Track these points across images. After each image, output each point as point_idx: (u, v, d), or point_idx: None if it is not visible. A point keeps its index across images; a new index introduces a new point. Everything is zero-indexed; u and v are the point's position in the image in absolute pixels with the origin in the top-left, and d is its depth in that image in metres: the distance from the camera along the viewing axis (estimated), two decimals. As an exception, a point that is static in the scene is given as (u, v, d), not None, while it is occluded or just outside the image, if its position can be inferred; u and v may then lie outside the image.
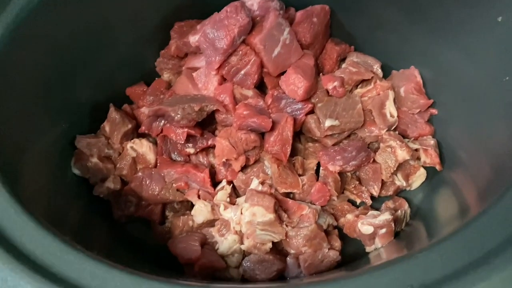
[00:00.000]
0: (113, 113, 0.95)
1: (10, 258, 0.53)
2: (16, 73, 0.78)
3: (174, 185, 0.91)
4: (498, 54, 0.81)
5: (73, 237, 0.76)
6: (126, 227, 0.97)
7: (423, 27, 0.94)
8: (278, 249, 0.88)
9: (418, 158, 0.98)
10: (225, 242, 0.85)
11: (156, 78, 1.06)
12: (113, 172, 0.95)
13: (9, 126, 0.75)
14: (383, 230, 0.87)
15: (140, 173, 0.93)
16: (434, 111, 0.99)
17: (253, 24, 0.93)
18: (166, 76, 1.06)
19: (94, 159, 0.92)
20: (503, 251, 0.56)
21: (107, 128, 0.96)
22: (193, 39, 0.95)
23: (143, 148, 0.95)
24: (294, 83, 0.92)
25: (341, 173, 0.94)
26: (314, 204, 0.91)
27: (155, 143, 0.98)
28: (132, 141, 0.96)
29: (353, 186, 0.96)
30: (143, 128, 0.94)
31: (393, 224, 0.87)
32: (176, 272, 0.86)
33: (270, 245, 0.85)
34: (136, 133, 0.99)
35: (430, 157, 0.95)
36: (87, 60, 0.94)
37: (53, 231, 0.59)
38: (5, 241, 0.56)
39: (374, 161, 0.95)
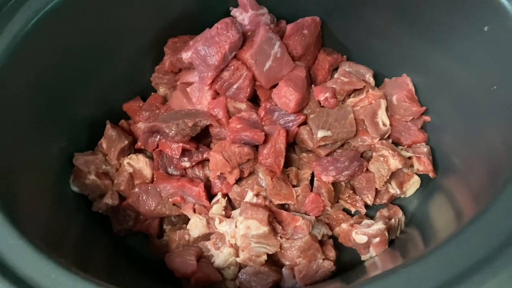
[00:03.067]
0: (109, 130, 0.97)
1: (7, 283, 0.55)
2: (14, 92, 0.80)
3: (170, 199, 0.93)
4: (488, 61, 0.82)
5: (75, 252, 0.79)
6: (126, 240, 0.99)
7: (414, 34, 0.95)
8: (273, 261, 0.90)
9: (412, 166, 0.99)
10: (221, 255, 0.87)
11: (152, 93, 1.08)
12: (111, 188, 0.97)
13: (6, 144, 0.76)
14: (377, 239, 0.88)
15: (137, 189, 0.95)
16: (427, 118, 1.00)
17: (244, 39, 0.94)
18: (161, 90, 1.08)
19: (92, 176, 0.94)
20: (498, 255, 0.56)
21: (104, 145, 0.98)
22: (186, 55, 0.96)
23: (139, 163, 0.97)
24: (286, 96, 0.93)
25: (335, 183, 0.95)
26: (309, 215, 0.92)
27: (151, 158, 0.99)
28: (129, 157, 0.98)
29: (347, 195, 0.97)
30: (139, 144, 0.96)
31: (386, 233, 0.88)
32: (174, 286, 0.88)
33: (265, 257, 0.86)
34: (133, 148, 1.01)
35: (423, 165, 0.95)
36: (84, 78, 0.96)
37: (48, 253, 0.60)
38: (2, 266, 0.57)
39: (367, 170, 0.96)
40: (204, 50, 0.90)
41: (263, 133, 0.89)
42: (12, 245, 0.60)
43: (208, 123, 0.92)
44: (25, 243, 0.60)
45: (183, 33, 1.06)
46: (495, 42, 0.79)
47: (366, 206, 0.97)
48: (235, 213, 0.90)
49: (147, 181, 0.97)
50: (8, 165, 0.75)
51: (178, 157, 0.93)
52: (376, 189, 0.96)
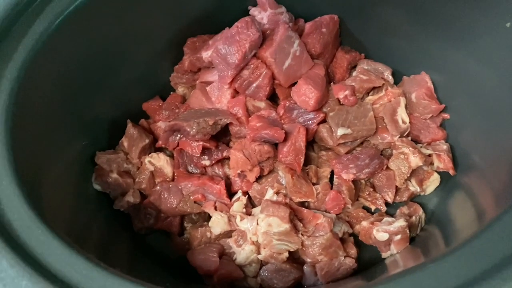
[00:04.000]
0: (130, 129, 0.98)
1: (40, 278, 0.55)
2: (37, 94, 0.81)
3: (191, 197, 0.94)
4: (509, 58, 0.81)
5: (97, 250, 0.80)
6: (147, 238, 1.00)
7: (432, 32, 0.95)
8: (294, 258, 0.90)
9: (432, 163, 0.98)
10: (243, 253, 0.87)
11: (171, 93, 1.09)
12: (133, 186, 0.98)
13: (31, 145, 0.77)
14: (398, 237, 0.88)
15: (158, 187, 0.96)
16: (446, 115, 1.00)
17: (264, 37, 0.95)
18: (180, 90, 1.09)
19: (114, 175, 0.95)
20: None
21: (125, 144, 0.99)
22: (206, 54, 0.97)
23: (160, 162, 0.98)
24: (305, 94, 0.94)
25: (355, 181, 0.95)
26: (329, 213, 0.92)
27: (172, 156, 1.00)
28: (150, 155, 0.99)
29: (367, 193, 0.97)
30: (160, 143, 0.97)
31: (407, 231, 0.88)
32: (196, 282, 0.89)
33: (286, 254, 0.86)
34: (153, 147, 1.02)
35: (443, 162, 0.95)
36: (104, 79, 0.97)
37: (77, 249, 0.61)
38: (33, 261, 0.58)
39: (387, 168, 0.96)
40: (225, 49, 0.91)
41: (283, 131, 0.89)
42: (43, 241, 0.61)
43: (228, 122, 0.93)
44: (55, 239, 0.61)
45: (202, 33, 1.06)
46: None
47: (386, 204, 0.97)
48: (255, 210, 0.91)
49: (168, 179, 0.98)
50: (35, 164, 0.76)
51: (198, 155, 0.94)
52: (396, 186, 0.96)
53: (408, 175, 0.94)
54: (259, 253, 0.88)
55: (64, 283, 0.57)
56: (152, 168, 0.98)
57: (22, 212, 0.63)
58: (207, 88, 1.00)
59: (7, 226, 0.61)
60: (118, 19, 0.93)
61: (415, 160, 0.94)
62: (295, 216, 0.88)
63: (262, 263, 0.89)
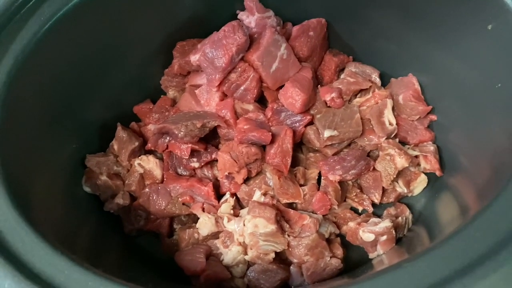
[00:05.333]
0: (120, 132, 1.00)
1: (22, 278, 0.57)
2: (27, 98, 0.82)
3: (179, 199, 0.95)
4: (492, 59, 0.82)
5: (87, 252, 0.81)
6: (137, 240, 1.01)
7: (419, 34, 0.96)
8: (281, 259, 0.91)
9: (419, 165, 0.99)
10: (230, 253, 0.88)
11: (162, 96, 1.10)
12: (122, 189, 0.99)
13: (20, 148, 0.79)
14: (384, 237, 0.89)
15: (147, 189, 0.97)
16: (433, 117, 1.00)
17: (251, 41, 0.96)
18: (171, 93, 1.10)
19: (104, 177, 0.97)
20: (502, 249, 0.57)
21: (115, 147, 1.00)
22: (194, 58, 0.98)
23: (150, 164, 0.99)
24: (292, 97, 0.95)
25: (342, 182, 0.96)
26: (316, 214, 0.93)
27: (161, 158, 1.02)
28: (139, 157, 1.01)
29: (354, 194, 0.98)
30: (149, 145, 0.98)
31: (393, 231, 0.89)
32: (184, 283, 0.90)
33: (273, 255, 0.87)
34: (143, 150, 1.03)
35: (430, 163, 0.96)
36: (95, 82, 0.98)
37: (62, 250, 0.62)
38: (16, 261, 0.59)
39: (374, 169, 0.97)
40: (212, 52, 0.92)
41: (270, 133, 0.91)
42: (27, 242, 0.62)
43: (216, 124, 0.94)
44: (40, 240, 0.62)
45: (191, 37, 1.08)
46: (499, 40, 0.80)
47: (373, 205, 0.98)
48: (243, 212, 0.92)
49: (157, 181, 0.99)
50: (23, 166, 0.77)
51: (187, 157, 0.95)
52: (383, 187, 0.97)
53: (395, 176, 0.95)
54: (246, 254, 0.89)
55: (47, 283, 0.58)
56: (141, 171, 0.99)
57: (7, 213, 0.64)
58: (196, 91, 1.01)
59: (-8, 228, 0.63)
60: (109, 23, 0.95)
61: (401, 162, 0.94)
62: (282, 217, 0.89)
63: (249, 264, 0.90)
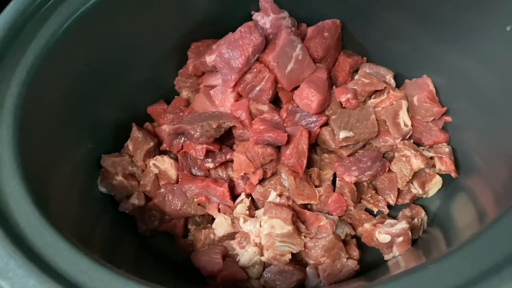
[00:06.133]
0: (135, 132, 1.00)
1: (47, 278, 0.57)
2: (44, 98, 0.82)
3: (195, 199, 0.95)
4: (509, 61, 0.82)
5: (102, 252, 0.81)
6: (151, 240, 1.01)
7: (434, 35, 0.96)
8: (297, 260, 0.91)
9: (434, 166, 0.99)
10: (246, 254, 0.88)
11: (176, 96, 1.11)
12: (137, 189, 0.99)
13: (38, 148, 0.79)
14: (400, 239, 0.88)
15: (162, 189, 0.97)
16: (448, 118, 1.00)
17: (266, 42, 0.96)
18: (184, 94, 1.10)
19: (119, 177, 0.97)
20: None
21: (130, 147, 1.00)
22: (209, 59, 0.98)
23: (165, 164, 0.99)
24: (308, 97, 0.95)
25: (357, 183, 0.96)
26: (331, 215, 0.93)
27: (176, 159, 1.02)
28: (154, 158, 1.01)
29: (369, 195, 0.98)
30: (164, 146, 0.98)
31: (410, 232, 0.89)
32: (199, 284, 0.90)
33: (289, 256, 0.87)
34: (158, 150, 1.03)
35: (445, 165, 0.96)
36: (110, 83, 0.99)
37: (83, 249, 0.62)
38: (40, 261, 0.59)
39: (389, 170, 0.97)
40: (228, 53, 0.92)
41: (286, 134, 0.90)
42: (49, 242, 0.62)
43: (231, 125, 0.94)
44: (62, 240, 0.62)
45: (205, 37, 1.08)
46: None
47: (389, 206, 0.97)
48: (259, 212, 0.92)
49: (172, 182, 0.99)
50: (42, 166, 0.77)
51: (202, 158, 0.95)
52: (398, 189, 0.96)
53: (410, 178, 0.95)
54: (262, 254, 0.89)
55: (70, 283, 0.58)
56: (156, 171, 0.99)
57: (30, 213, 0.64)
58: (211, 92, 1.01)
59: (15, 227, 0.62)
60: (125, 24, 0.95)
61: (417, 163, 0.94)
62: (298, 218, 0.89)
63: (265, 265, 0.90)
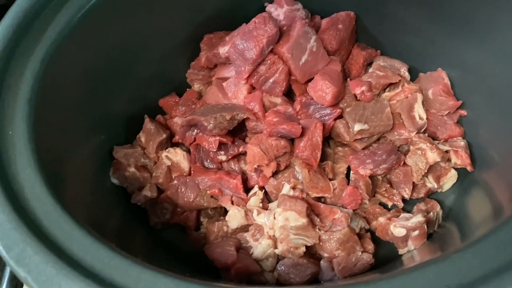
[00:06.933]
0: (148, 124, 0.99)
1: (64, 265, 0.56)
2: (57, 88, 0.81)
3: (208, 191, 0.94)
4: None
5: (114, 243, 0.80)
6: (163, 233, 1.00)
7: (449, 28, 0.95)
8: (311, 253, 0.90)
9: (449, 160, 0.98)
10: (259, 247, 0.87)
11: (188, 89, 1.10)
12: (150, 181, 0.98)
13: (52, 138, 0.78)
14: (416, 232, 0.87)
15: (175, 181, 0.96)
16: (463, 112, 0.99)
17: (280, 33, 0.95)
18: (196, 86, 1.09)
19: (132, 169, 0.96)
20: None
21: (142, 139, 0.99)
22: (223, 50, 0.98)
23: (177, 156, 0.98)
24: (322, 89, 0.94)
25: (371, 177, 0.95)
26: (346, 208, 0.92)
27: (188, 151, 1.01)
28: (166, 150, 1.00)
29: (384, 189, 0.97)
30: (177, 138, 0.98)
31: (425, 226, 0.88)
32: (212, 276, 0.89)
33: (303, 249, 0.86)
34: (170, 142, 1.03)
35: (460, 158, 0.95)
36: (121, 75, 0.98)
37: (99, 238, 0.62)
38: (56, 248, 0.59)
39: (404, 163, 0.95)
40: (242, 44, 0.91)
41: (300, 126, 0.90)
42: (65, 229, 0.61)
43: (245, 117, 0.93)
44: (77, 227, 0.62)
45: (218, 30, 1.07)
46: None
47: (403, 200, 0.96)
48: (272, 205, 0.91)
49: (184, 174, 0.98)
50: (55, 156, 0.77)
51: (215, 150, 0.94)
52: (413, 183, 0.95)
53: (426, 171, 0.94)
54: (276, 247, 0.88)
55: (87, 270, 0.57)
56: (169, 163, 0.99)
57: (45, 200, 0.63)
58: (224, 84, 1.00)
59: (31, 214, 0.62)
60: (137, 15, 0.94)
61: (433, 156, 0.93)
62: (312, 211, 0.88)
63: (279, 258, 0.89)
